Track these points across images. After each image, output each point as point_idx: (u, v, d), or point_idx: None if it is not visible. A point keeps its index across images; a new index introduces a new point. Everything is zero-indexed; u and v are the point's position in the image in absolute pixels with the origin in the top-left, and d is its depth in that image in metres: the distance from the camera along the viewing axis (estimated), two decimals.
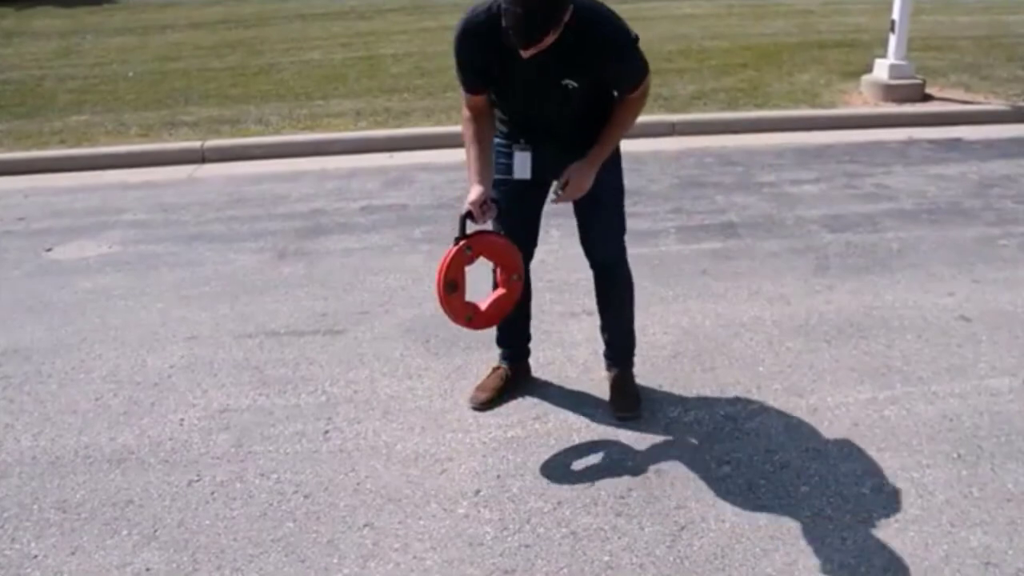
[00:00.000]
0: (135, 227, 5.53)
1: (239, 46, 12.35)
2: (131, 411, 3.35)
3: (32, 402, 3.44)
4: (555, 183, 2.86)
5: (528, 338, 3.43)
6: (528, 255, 3.17)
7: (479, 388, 3.34)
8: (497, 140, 2.94)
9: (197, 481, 2.90)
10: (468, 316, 2.93)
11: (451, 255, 2.79)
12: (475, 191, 2.77)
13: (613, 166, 2.98)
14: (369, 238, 5.15)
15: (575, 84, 2.68)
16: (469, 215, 2.76)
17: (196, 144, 7.34)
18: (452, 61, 2.79)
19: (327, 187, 6.25)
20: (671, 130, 7.45)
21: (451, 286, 2.82)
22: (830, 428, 3.10)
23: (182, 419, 3.29)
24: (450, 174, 6.30)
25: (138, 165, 7.11)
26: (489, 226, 2.96)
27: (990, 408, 3.20)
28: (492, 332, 3.33)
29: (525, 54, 2.48)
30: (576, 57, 2.59)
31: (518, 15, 2.37)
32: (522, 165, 2.88)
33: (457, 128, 7.12)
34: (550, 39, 2.44)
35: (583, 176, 2.79)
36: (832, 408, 3.22)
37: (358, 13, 15.05)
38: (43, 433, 3.22)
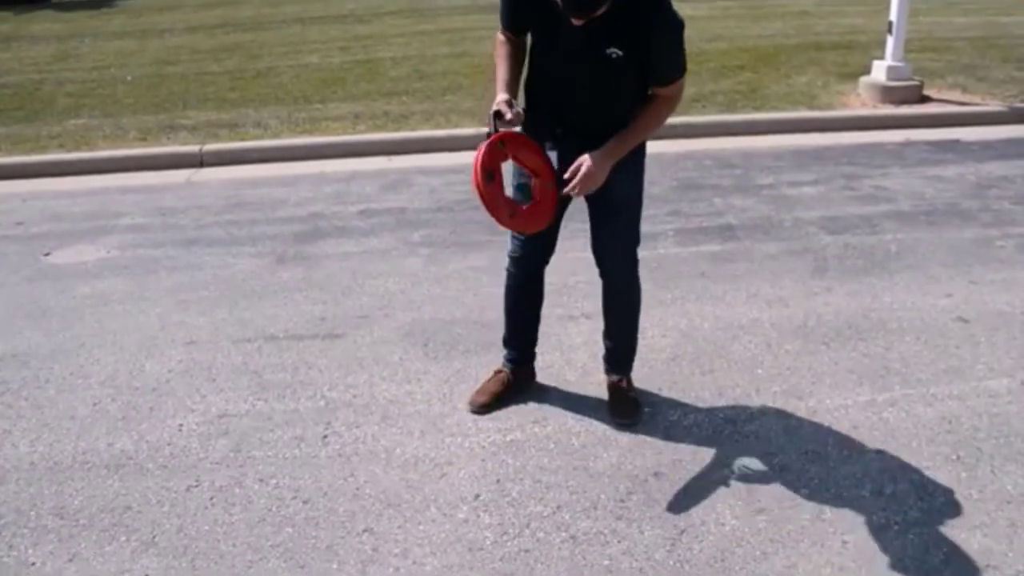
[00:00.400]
0: (133, 231, 5.52)
1: (237, 50, 12.35)
2: (129, 416, 3.35)
3: (30, 407, 3.44)
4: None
5: (535, 342, 3.40)
6: (544, 261, 3.17)
7: (478, 391, 3.33)
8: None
9: (196, 486, 2.90)
10: (510, 212, 2.76)
11: (485, 146, 2.66)
12: (501, 95, 2.73)
13: (635, 176, 2.95)
14: (368, 242, 5.15)
15: (619, 53, 2.63)
16: (498, 114, 2.67)
17: (194, 148, 7.33)
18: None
19: (325, 191, 6.24)
20: (669, 132, 7.44)
21: (488, 174, 2.66)
22: (829, 430, 3.10)
23: (181, 424, 3.28)
24: (449, 177, 6.30)
25: (136, 169, 7.11)
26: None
27: (989, 410, 3.20)
28: (495, 332, 3.32)
29: (577, 22, 2.53)
30: (626, 27, 2.60)
31: None
32: (511, 172, 2.85)
33: (456, 131, 7.12)
34: (602, 9, 2.48)
35: (599, 168, 2.71)
36: (831, 410, 3.22)
37: (356, 16, 15.05)
38: (41, 439, 3.21)
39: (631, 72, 2.71)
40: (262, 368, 3.68)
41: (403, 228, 5.35)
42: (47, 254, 5.18)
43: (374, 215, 5.64)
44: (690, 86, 8.53)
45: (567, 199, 2.93)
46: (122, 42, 13.54)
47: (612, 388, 3.30)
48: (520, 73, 2.90)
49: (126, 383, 3.60)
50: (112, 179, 6.86)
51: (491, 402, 3.28)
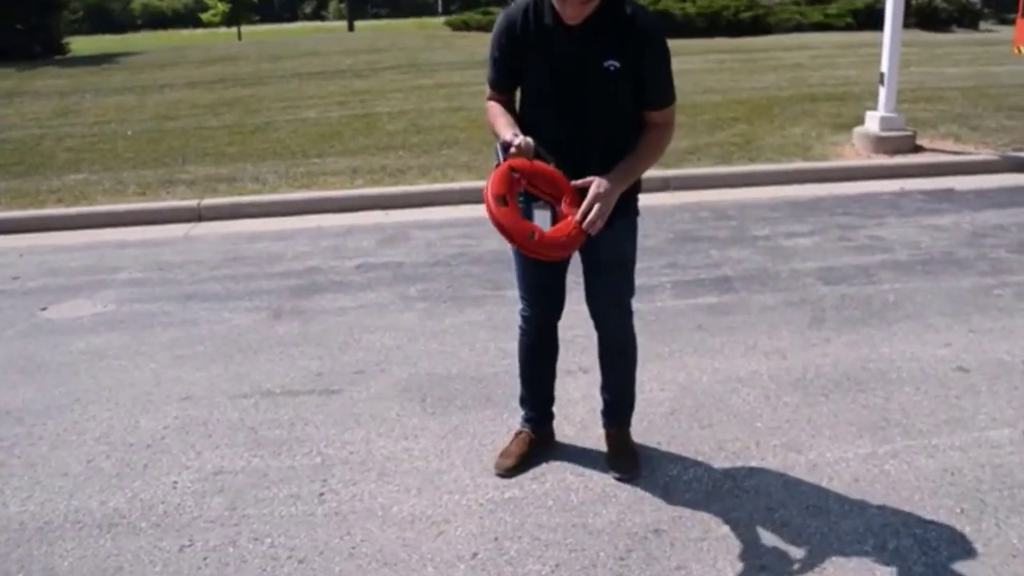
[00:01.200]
0: (130, 286, 5.52)
1: (236, 105, 12.48)
2: (123, 473, 3.31)
3: (22, 465, 3.40)
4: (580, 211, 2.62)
5: (552, 400, 3.35)
6: (556, 315, 3.14)
7: (503, 454, 3.25)
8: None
9: (189, 546, 2.86)
10: (530, 233, 2.57)
11: (495, 173, 2.58)
12: (508, 130, 2.68)
13: (629, 232, 2.95)
14: (364, 296, 5.14)
15: (616, 65, 2.65)
16: (506, 145, 2.61)
17: (193, 202, 7.37)
18: (488, 55, 2.86)
19: (323, 245, 6.26)
20: (665, 185, 7.50)
21: (501, 199, 2.55)
22: (830, 484, 3.06)
23: (175, 481, 3.24)
24: (446, 231, 6.32)
25: (135, 223, 7.14)
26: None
27: (992, 461, 3.17)
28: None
29: (572, 18, 2.58)
30: (615, 36, 2.64)
31: None
32: (542, 223, 2.73)
33: (452, 185, 7.16)
34: (594, 2, 2.53)
35: (610, 192, 2.62)
36: (832, 463, 3.19)
37: (354, 72, 15.23)
38: (32, 497, 3.17)
39: (626, 88, 2.71)
40: (258, 424, 3.65)
41: (400, 282, 5.35)
42: (43, 309, 5.17)
43: (371, 269, 5.64)
44: (685, 138, 8.69)
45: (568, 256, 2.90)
46: (123, 97, 13.69)
47: (611, 441, 3.26)
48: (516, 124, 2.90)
49: (120, 439, 3.57)
50: (110, 233, 6.88)
51: (518, 464, 3.20)
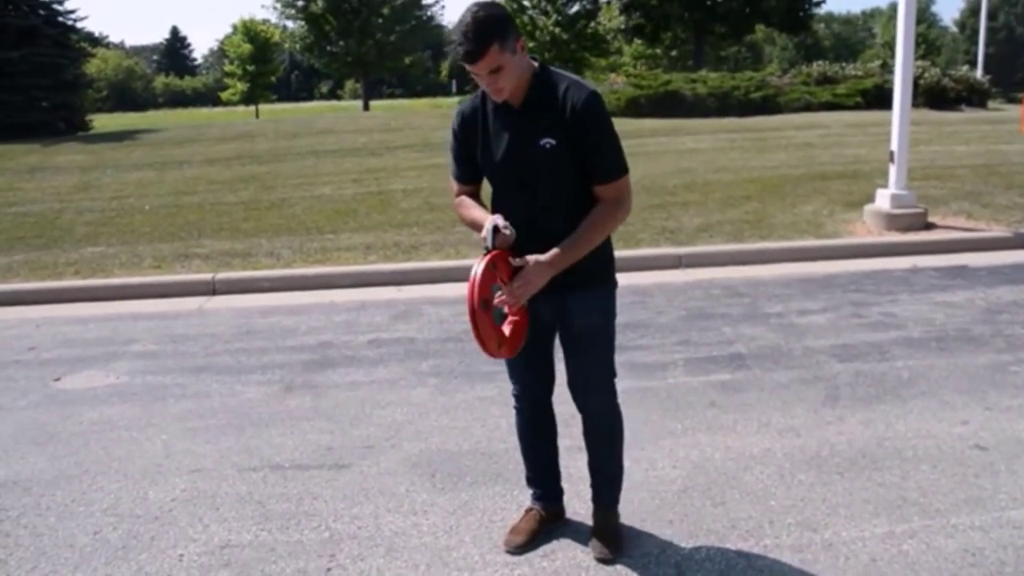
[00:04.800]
0: (144, 358, 5.54)
1: (253, 181, 12.67)
2: (130, 546, 3.28)
3: (28, 536, 3.37)
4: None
5: (558, 476, 3.31)
6: (545, 390, 3.13)
7: (513, 531, 3.19)
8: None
9: None
10: (498, 342, 2.77)
11: (481, 273, 2.65)
12: (491, 217, 2.74)
13: (601, 305, 2.94)
14: (376, 371, 5.14)
15: (552, 142, 2.70)
16: (496, 228, 2.67)
17: (207, 276, 7.44)
18: (448, 151, 2.99)
19: (336, 320, 6.28)
20: (677, 263, 7.54)
21: (484, 304, 2.67)
22: (847, 565, 3.00)
23: (181, 554, 3.21)
24: (458, 307, 6.33)
25: (150, 296, 7.20)
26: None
27: (1014, 542, 3.10)
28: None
29: (497, 96, 2.67)
30: (550, 114, 2.71)
31: (467, 24, 2.58)
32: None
33: (465, 262, 7.22)
34: (496, 55, 2.58)
35: (539, 273, 2.68)
36: (848, 543, 3.13)
37: (369, 150, 15.47)
38: (37, 569, 3.14)
39: (566, 163, 2.74)
40: (266, 498, 3.62)
41: (412, 358, 5.35)
42: (57, 379, 5.19)
43: (383, 344, 5.65)
44: (697, 216, 8.76)
45: (551, 328, 2.95)
46: (142, 173, 13.92)
47: (595, 521, 3.19)
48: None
49: (128, 511, 3.54)
50: (125, 306, 6.94)
51: (528, 541, 3.14)
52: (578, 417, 3.06)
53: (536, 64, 2.77)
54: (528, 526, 3.20)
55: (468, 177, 2.97)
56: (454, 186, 3.02)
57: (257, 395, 4.82)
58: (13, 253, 8.71)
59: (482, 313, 2.66)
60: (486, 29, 2.56)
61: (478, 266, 2.66)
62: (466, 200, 2.96)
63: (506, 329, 2.82)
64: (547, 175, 2.76)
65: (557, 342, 3.03)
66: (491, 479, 3.68)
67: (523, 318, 2.85)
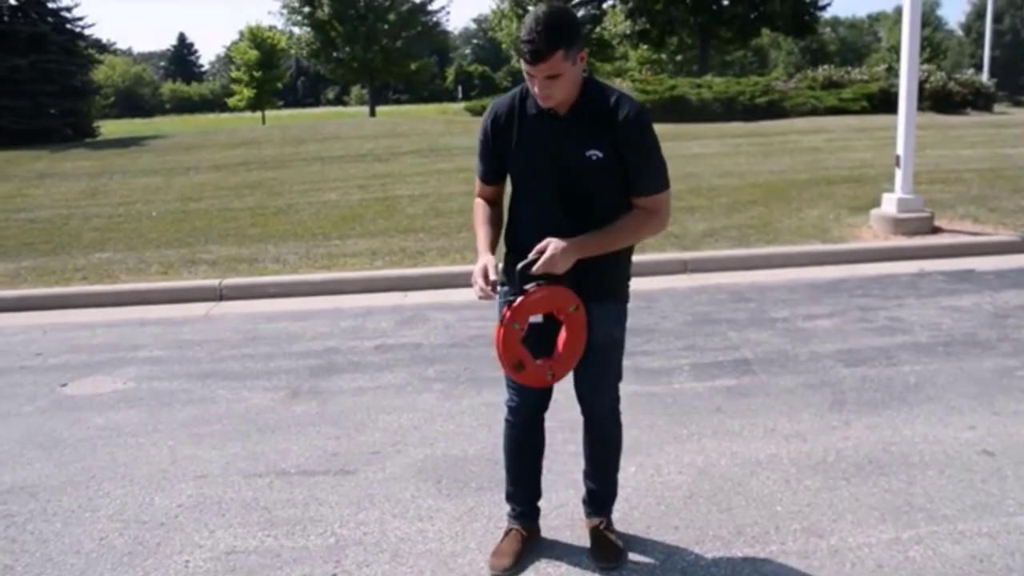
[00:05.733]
0: (150, 363, 5.55)
1: (259, 187, 12.69)
2: (135, 552, 3.28)
3: (35, 542, 3.38)
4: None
5: (539, 495, 3.28)
6: (543, 404, 3.11)
7: (497, 554, 3.13)
8: (504, 290, 2.83)
9: None
10: (549, 373, 2.76)
11: (502, 338, 2.65)
12: (483, 258, 2.72)
13: (619, 318, 2.95)
14: (382, 377, 5.14)
15: (599, 155, 2.68)
16: (523, 272, 2.65)
17: (214, 282, 7.45)
18: (476, 147, 2.92)
19: (342, 326, 6.29)
20: (683, 268, 7.53)
21: (518, 365, 2.69)
22: (853, 571, 2.99)
23: (187, 560, 3.21)
24: (464, 313, 6.34)
25: (157, 302, 7.21)
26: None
27: (1022, 548, 3.09)
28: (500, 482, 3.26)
29: (543, 100, 2.62)
30: (598, 125, 2.68)
31: (538, 21, 2.53)
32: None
33: (471, 267, 7.22)
34: (559, 61, 2.54)
35: (564, 255, 2.63)
36: (854, 549, 3.12)
37: (375, 156, 15.50)
38: (43, 574, 3.15)
39: (612, 177, 2.72)
40: (272, 504, 3.62)
41: (418, 364, 5.35)
42: (64, 385, 5.20)
43: (389, 350, 5.65)
44: (702, 221, 8.75)
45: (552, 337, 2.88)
46: (149, 179, 13.97)
47: (594, 532, 3.18)
48: (498, 235, 2.90)
49: (134, 517, 3.55)
50: (132, 311, 6.96)
51: (514, 564, 3.09)
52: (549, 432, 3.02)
53: (586, 75, 2.73)
54: (512, 547, 3.14)
55: (491, 177, 2.93)
56: (477, 185, 2.99)
57: (263, 401, 4.82)
58: (21, 259, 8.74)
59: (517, 375, 2.72)
60: (557, 32, 2.52)
61: (498, 333, 2.65)
62: (481, 212, 2.92)
63: (557, 352, 2.77)
64: (590, 185, 2.74)
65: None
66: (497, 485, 3.67)
67: (573, 326, 2.75)
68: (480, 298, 2.67)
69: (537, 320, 2.71)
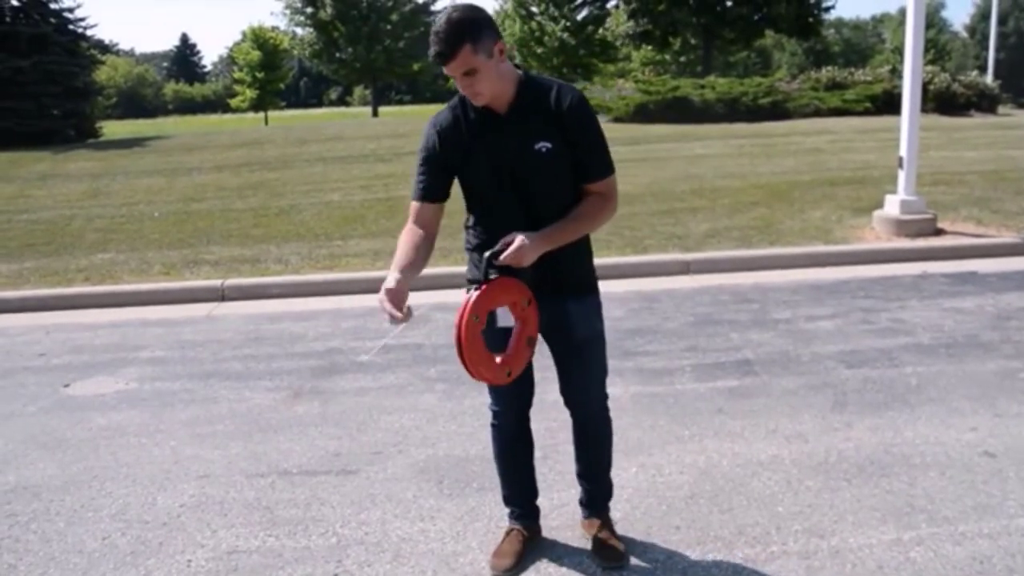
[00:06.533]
0: (153, 364, 5.56)
1: (261, 188, 12.71)
2: (138, 551, 3.29)
3: (38, 541, 3.39)
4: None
5: (536, 494, 3.28)
6: (526, 403, 3.10)
7: (498, 554, 3.13)
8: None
9: None
10: (507, 371, 2.75)
11: (463, 331, 2.66)
12: (391, 275, 2.68)
13: (596, 312, 2.95)
14: (384, 377, 5.15)
15: (548, 146, 2.70)
16: (490, 259, 2.65)
17: (216, 283, 7.47)
18: (416, 167, 2.88)
19: (344, 326, 6.30)
20: (685, 268, 7.54)
21: (475, 318, 2.66)
22: (854, 572, 2.99)
23: (189, 560, 3.22)
24: None
25: (159, 302, 7.23)
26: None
27: (1022, 549, 3.09)
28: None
29: (479, 101, 2.66)
30: (541, 117, 2.70)
31: (440, 24, 2.56)
32: (504, 313, 2.74)
33: None
34: (467, 56, 2.55)
35: (532, 246, 2.64)
36: (855, 550, 3.12)
37: (377, 156, 15.52)
38: (46, 574, 3.15)
39: (563, 166, 2.74)
40: (274, 504, 3.63)
41: (420, 364, 5.36)
42: (66, 385, 5.21)
43: (391, 350, 5.66)
44: (705, 222, 8.76)
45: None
46: (152, 180, 13.99)
47: (595, 531, 3.17)
48: (420, 264, 2.86)
49: (137, 517, 3.56)
50: (135, 312, 6.97)
51: (515, 564, 3.09)
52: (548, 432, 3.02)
53: (521, 72, 2.76)
54: (512, 548, 3.13)
55: (435, 193, 2.89)
56: (412, 209, 2.91)
57: (265, 401, 4.83)
58: (24, 260, 8.76)
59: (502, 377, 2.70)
60: (459, 28, 2.54)
61: (458, 326, 2.66)
62: (411, 237, 2.86)
63: (509, 349, 2.78)
64: (544, 178, 2.76)
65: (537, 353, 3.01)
66: (498, 485, 3.67)
67: (525, 321, 2.77)
68: (389, 323, 2.63)
69: (508, 325, 2.73)
